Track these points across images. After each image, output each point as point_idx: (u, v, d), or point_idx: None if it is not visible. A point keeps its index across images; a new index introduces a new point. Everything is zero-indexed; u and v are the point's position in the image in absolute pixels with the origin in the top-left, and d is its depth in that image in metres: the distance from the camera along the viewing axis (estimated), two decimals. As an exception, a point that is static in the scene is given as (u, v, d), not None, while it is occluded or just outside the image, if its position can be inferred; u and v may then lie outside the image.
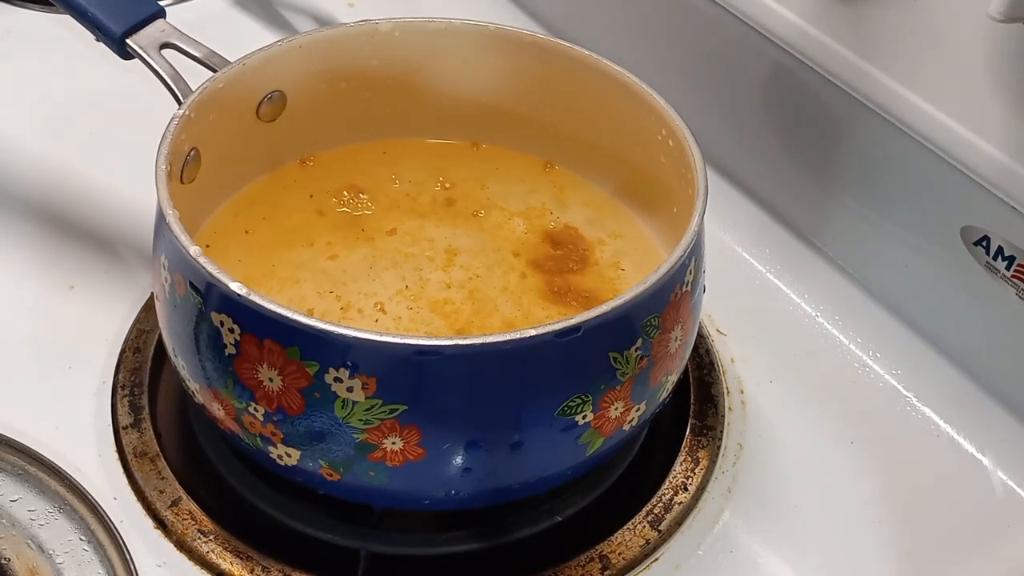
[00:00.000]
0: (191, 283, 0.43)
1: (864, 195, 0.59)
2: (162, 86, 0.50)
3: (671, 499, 0.52)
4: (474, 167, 0.58)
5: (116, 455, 0.52)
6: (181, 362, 0.46)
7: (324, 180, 0.56)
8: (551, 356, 0.42)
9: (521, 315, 0.51)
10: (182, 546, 0.49)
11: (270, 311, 0.41)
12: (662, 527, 0.51)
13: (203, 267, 0.42)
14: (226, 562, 0.49)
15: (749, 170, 0.66)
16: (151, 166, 0.46)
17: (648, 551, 0.51)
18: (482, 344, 0.41)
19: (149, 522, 0.50)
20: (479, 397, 0.43)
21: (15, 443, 0.51)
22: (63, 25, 0.73)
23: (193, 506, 0.50)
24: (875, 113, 0.55)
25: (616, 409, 0.45)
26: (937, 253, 0.56)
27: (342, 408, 0.42)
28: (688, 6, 0.64)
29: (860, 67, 0.55)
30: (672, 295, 0.45)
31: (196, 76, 0.50)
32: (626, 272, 0.53)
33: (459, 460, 0.44)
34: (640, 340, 0.44)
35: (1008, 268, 0.53)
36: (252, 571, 0.48)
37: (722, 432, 0.56)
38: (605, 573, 0.50)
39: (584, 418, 0.44)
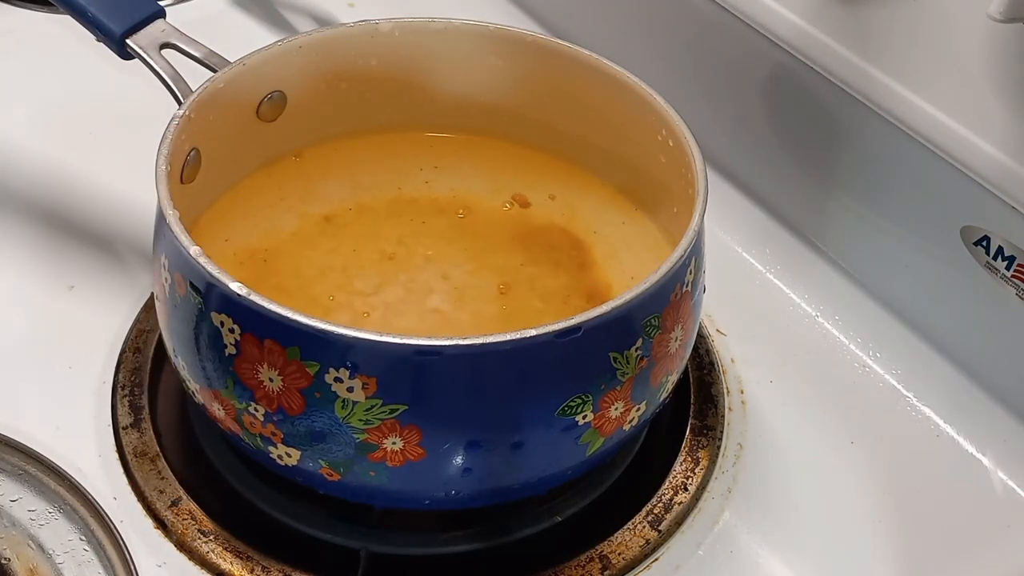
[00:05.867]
0: (191, 283, 0.43)
1: (864, 195, 0.60)
2: (162, 86, 0.50)
3: (671, 499, 0.53)
4: (472, 166, 0.58)
5: (116, 455, 0.52)
6: (181, 362, 0.46)
7: (321, 176, 0.56)
8: (551, 356, 0.42)
9: (520, 314, 0.51)
10: (182, 546, 0.49)
11: (270, 311, 0.41)
12: (662, 527, 0.51)
13: (203, 267, 0.42)
14: (226, 562, 0.49)
15: (749, 170, 0.66)
16: (151, 166, 0.46)
17: (648, 551, 0.51)
18: (482, 344, 0.41)
19: (149, 522, 0.50)
20: (479, 397, 0.43)
21: (15, 443, 0.51)
22: (63, 25, 0.73)
23: (193, 506, 0.50)
24: (875, 113, 0.55)
25: (616, 409, 0.45)
26: (937, 253, 0.56)
27: (342, 408, 0.42)
28: (688, 6, 0.64)
29: (860, 67, 0.55)
30: (672, 295, 0.45)
31: (196, 76, 0.50)
32: (626, 272, 0.53)
33: (459, 460, 0.44)
34: (640, 340, 0.44)
35: (1008, 268, 0.53)
36: (252, 571, 0.48)
37: (722, 432, 0.56)
38: (605, 573, 0.50)
39: (584, 418, 0.44)
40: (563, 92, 0.55)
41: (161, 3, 0.53)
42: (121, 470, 0.52)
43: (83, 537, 0.48)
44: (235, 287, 0.41)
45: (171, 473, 0.51)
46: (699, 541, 0.52)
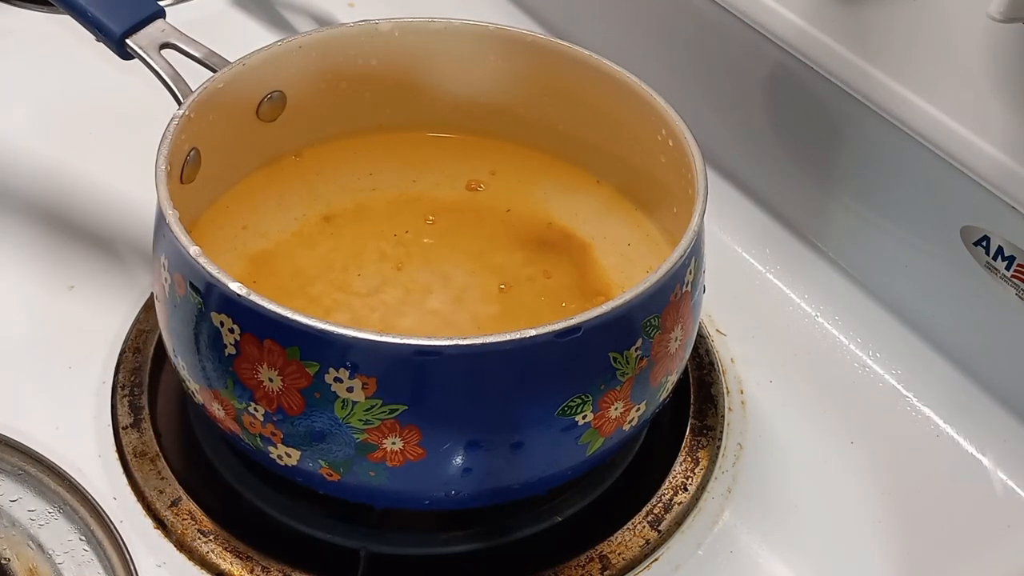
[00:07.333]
0: (191, 283, 0.43)
1: (864, 195, 0.60)
2: (162, 86, 0.50)
3: (671, 499, 0.53)
4: (472, 166, 0.58)
5: (116, 455, 0.52)
6: (181, 362, 0.46)
7: (321, 176, 0.56)
8: (551, 356, 0.42)
9: (520, 314, 0.51)
10: (182, 546, 0.49)
11: (270, 311, 0.41)
12: (662, 527, 0.51)
13: (203, 267, 0.42)
14: (226, 562, 0.49)
15: (749, 170, 0.66)
16: (151, 166, 0.46)
17: (648, 551, 0.51)
18: (482, 344, 0.41)
19: (149, 522, 0.50)
20: (479, 397, 0.43)
21: (15, 443, 0.51)
22: (63, 25, 0.73)
23: (193, 506, 0.50)
24: (875, 113, 0.55)
25: (616, 409, 0.45)
26: (937, 253, 0.56)
27: (342, 408, 0.42)
28: (688, 6, 0.64)
29: (860, 67, 0.55)
30: (672, 295, 0.45)
31: (196, 76, 0.50)
32: (625, 272, 0.53)
33: (459, 460, 0.44)
34: (640, 340, 0.44)
35: (1008, 268, 0.53)
36: (252, 571, 0.48)
37: (722, 432, 0.56)
38: (605, 573, 0.50)
39: (584, 418, 0.44)
40: (563, 92, 0.55)
41: (161, 3, 0.53)
42: (121, 470, 0.52)
43: (83, 537, 0.48)
44: (235, 287, 0.41)
45: (171, 473, 0.51)
46: (699, 541, 0.52)
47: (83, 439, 0.53)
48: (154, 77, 0.51)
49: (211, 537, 0.49)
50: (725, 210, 0.65)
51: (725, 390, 0.58)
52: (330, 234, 0.54)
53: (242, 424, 0.45)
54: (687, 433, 0.55)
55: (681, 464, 0.54)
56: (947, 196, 0.54)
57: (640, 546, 0.51)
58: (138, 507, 0.50)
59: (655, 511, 0.52)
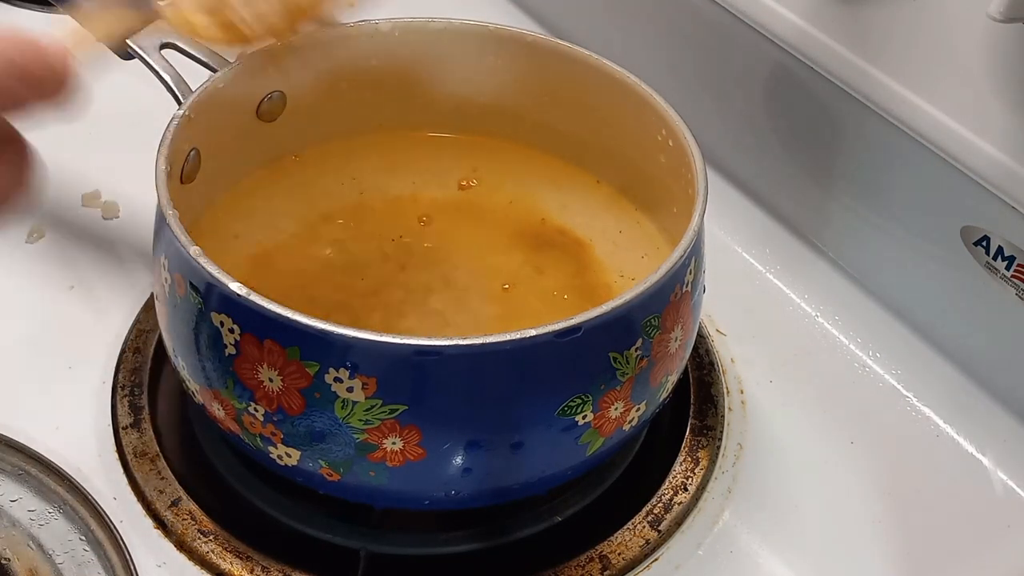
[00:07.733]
0: (191, 283, 0.43)
1: (864, 195, 0.60)
2: (162, 86, 0.50)
3: (671, 499, 0.53)
4: (473, 166, 0.58)
5: (116, 455, 0.52)
6: (181, 362, 0.46)
7: (321, 175, 0.56)
8: (551, 356, 0.42)
9: (520, 314, 0.51)
10: (182, 546, 0.49)
11: (270, 311, 0.41)
12: (662, 527, 0.51)
13: (203, 267, 0.42)
14: (226, 562, 0.49)
15: (749, 170, 0.66)
16: (151, 166, 0.46)
17: (648, 551, 0.51)
18: (482, 344, 0.41)
19: (149, 522, 0.50)
20: (479, 397, 0.43)
21: (15, 443, 0.51)
22: (63, 25, 0.73)
23: (193, 506, 0.50)
24: (875, 113, 0.55)
25: (616, 409, 0.45)
26: (937, 253, 0.56)
27: (342, 408, 0.42)
28: (688, 6, 0.64)
29: (860, 67, 0.55)
30: (672, 295, 0.45)
31: (196, 76, 0.50)
32: (626, 272, 0.53)
33: (459, 460, 0.44)
34: (640, 340, 0.44)
35: (1008, 268, 0.53)
36: (252, 571, 0.48)
37: (722, 432, 0.56)
38: (605, 573, 0.50)
39: (584, 418, 0.44)
40: (563, 92, 0.55)
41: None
42: (121, 470, 0.52)
43: (83, 537, 0.48)
44: (235, 287, 0.41)
45: (171, 473, 0.51)
46: (699, 541, 0.52)
47: (83, 439, 0.53)
48: (154, 77, 0.51)
49: (211, 537, 0.49)
50: (725, 210, 0.65)
51: (725, 390, 0.58)
52: (330, 234, 0.54)
53: (242, 424, 0.45)
54: (687, 433, 0.55)
55: (681, 464, 0.54)
56: (947, 196, 0.55)
57: (640, 546, 0.51)
58: (138, 507, 0.50)
59: (655, 511, 0.52)
